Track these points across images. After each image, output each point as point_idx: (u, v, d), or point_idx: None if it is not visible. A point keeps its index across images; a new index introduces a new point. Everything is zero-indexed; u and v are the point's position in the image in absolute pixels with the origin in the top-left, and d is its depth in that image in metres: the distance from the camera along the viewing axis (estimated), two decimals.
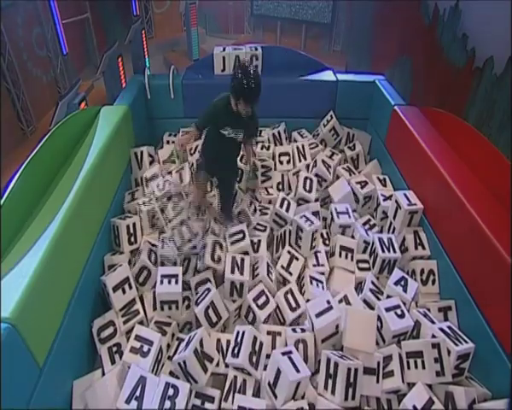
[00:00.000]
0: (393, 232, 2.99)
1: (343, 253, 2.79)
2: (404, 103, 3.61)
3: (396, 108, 3.53)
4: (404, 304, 2.39)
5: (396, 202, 2.96)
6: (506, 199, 2.38)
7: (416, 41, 4.43)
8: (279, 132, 3.96)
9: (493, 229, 2.17)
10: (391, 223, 3.04)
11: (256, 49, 3.98)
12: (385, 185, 3.43)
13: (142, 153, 3.50)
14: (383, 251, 2.70)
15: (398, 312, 2.30)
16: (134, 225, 2.87)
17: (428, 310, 2.45)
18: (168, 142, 4.00)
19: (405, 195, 2.99)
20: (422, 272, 2.68)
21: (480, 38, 3.58)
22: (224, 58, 4.02)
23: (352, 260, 2.78)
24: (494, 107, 3.42)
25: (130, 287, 2.45)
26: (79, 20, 8.15)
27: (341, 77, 4.02)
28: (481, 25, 3.56)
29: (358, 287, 2.70)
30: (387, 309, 2.26)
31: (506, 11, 3.13)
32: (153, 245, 2.77)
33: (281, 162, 3.70)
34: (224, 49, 4.04)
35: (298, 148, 3.71)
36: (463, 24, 3.81)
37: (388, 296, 2.48)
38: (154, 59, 8.93)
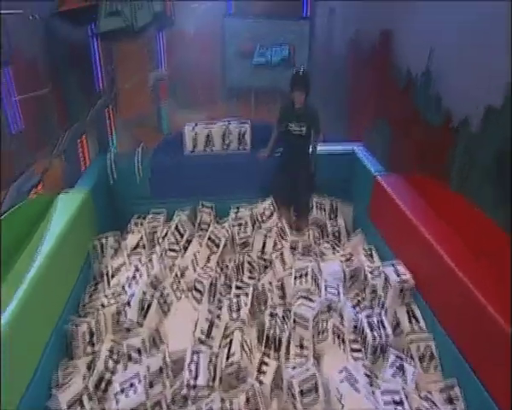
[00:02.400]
0: (383, 307, 3.16)
1: (334, 337, 2.92)
2: (385, 172, 4.01)
3: (377, 177, 3.92)
4: (403, 389, 2.43)
5: (385, 278, 3.18)
6: (500, 265, 2.48)
7: (392, 104, 4.77)
8: (260, 212, 4.24)
9: (488, 297, 2.33)
10: (380, 297, 3.22)
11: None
12: (371, 257, 3.69)
13: (105, 242, 3.70)
14: (374, 338, 2.83)
15: (397, 398, 2.36)
16: (94, 326, 2.94)
17: (430, 393, 2.51)
18: (137, 224, 4.21)
19: (395, 268, 3.22)
20: (418, 349, 2.81)
21: (453, 98, 3.89)
22: (195, 136, 4.42)
23: (343, 342, 2.89)
24: (474, 163, 3.62)
25: (83, 406, 2.47)
26: (38, 94, 8.50)
27: (320, 147, 4.33)
28: (454, 85, 3.92)
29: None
30: (384, 393, 2.31)
31: (475, 71, 3.49)
32: (114, 349, 2.83)
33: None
34: (195, 126, 4.44)
35: (278, 229, 4.02)
36: (436, 86, 4.15)
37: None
38: (121, 136, 9.21)
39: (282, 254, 3.76)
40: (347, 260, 3.67)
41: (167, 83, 9.52)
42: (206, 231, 4.06)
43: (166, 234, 3.99)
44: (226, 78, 10.03)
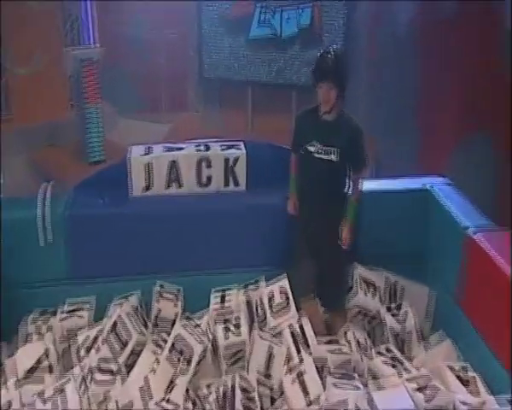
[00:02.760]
0: None
1: None
2: (489, 226, 3.94)
3: (475, 235, 3.82)
4: None
5: None
6: None
7: (499, 104, 4.69)
8: (261, 300, 4.19)
9: None
10: None
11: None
12: (470, 384, 3.52)
13: None
14: None
15: None
16: None
17: None
18: (38, 325, 4.07)
19: None
20: None
21: None
22: (149, 167, 4.34)
23: None
24: None
25: None
26: None
27: (368, 185, 4.29)
28: None
29: None
30: None
31: None
32: None
33: None
34: (148, 151, 4.39)
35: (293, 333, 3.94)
36: None
37: None
38: (12, 162, 9.02)
39: (301, 375, 3.70)
40: (423, 387, 3.49)
41: (99, 69, 9.46)
42: (168, 334, 3.99)
43: (95, 342, 3.88)
44: (203, 63, 10.06)
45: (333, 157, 3.92)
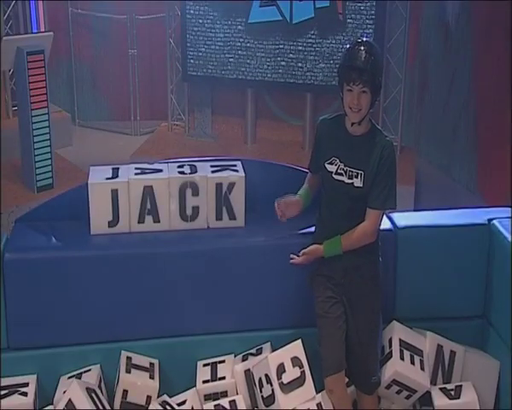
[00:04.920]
0: None
1: None
2: None
3: None
4: None
5: None
6: None
7: None
8: (266, 375, 4.05)
9: None
10: None
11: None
12: None
13: None
14: None
15: None
16: None
17: None
18: None
19: None
20: None
21: None
22: (114, 194, 4.29)
23: None
24: None
25: None
26: None
27: (404, 219, 4.35)
28: None
29: None
30: None
31: None
32: None
33: None
34: (114, 174, 4.36)
35: None
36: None
37: None
38: None
39: None
40: None
41: (50, 61, 9.44)
42: None
43: None
44: (187, 56, 10.07)
45: (356, 181, 3.88)
